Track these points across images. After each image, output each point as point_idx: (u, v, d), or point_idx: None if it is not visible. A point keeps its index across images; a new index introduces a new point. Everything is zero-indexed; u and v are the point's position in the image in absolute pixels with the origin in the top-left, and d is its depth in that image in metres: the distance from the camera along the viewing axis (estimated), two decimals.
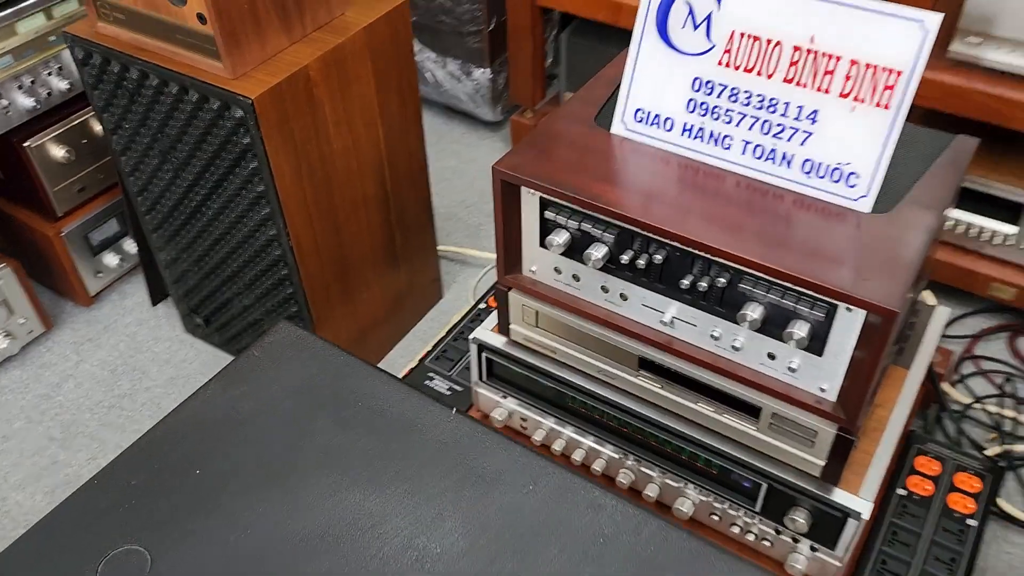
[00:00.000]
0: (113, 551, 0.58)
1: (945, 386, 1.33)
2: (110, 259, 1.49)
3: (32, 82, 1.26)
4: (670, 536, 0.60)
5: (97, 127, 1.37)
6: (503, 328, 1.01)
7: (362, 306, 1.32)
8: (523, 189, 0.87)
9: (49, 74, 1.28)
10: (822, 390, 0.81)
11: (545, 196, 0.86)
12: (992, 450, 1.26)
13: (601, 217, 0.84)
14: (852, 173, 0.80)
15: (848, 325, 0.75)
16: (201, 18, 0.95)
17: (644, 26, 0.86)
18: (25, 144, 1.29)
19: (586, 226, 0.86)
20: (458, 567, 0.57)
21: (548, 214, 0.88)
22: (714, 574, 0.57)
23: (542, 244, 0.90)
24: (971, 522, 1.07)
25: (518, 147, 0.89)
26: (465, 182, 1.78)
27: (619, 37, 1.60)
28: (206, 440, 0.66)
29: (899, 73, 0.76)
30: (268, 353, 0.73)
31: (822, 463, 0.85)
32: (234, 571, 0.57)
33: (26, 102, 1.26)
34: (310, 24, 1.07)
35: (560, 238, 0.87)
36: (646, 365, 0.92)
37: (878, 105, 0.77)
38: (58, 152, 1.32)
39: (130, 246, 1.51)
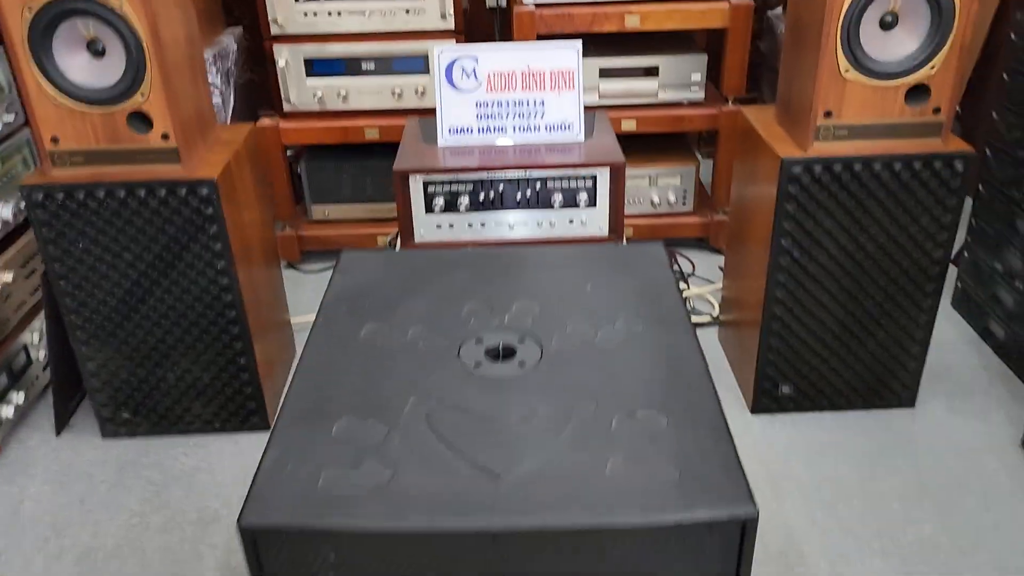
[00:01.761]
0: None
1: None
2: (5, 410, 1.68)
3: None
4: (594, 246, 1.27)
5: None
6: None
7: (273, 344, 1.76)
8: (411, 176, 1.51)
9: None
10: (600, 228, 1.56)
11: (426, 177, 1.51)
12: None
13: (462, 177, 1.51)
14: (570, 124, 1.59)
15: (604, 182, 1.52)
16: (165, 136, 1.43)
17: (440, 82, 1.58)
18: None
19: (453, 187, 1.52)
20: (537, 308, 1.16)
21: (429, 188, 1.52)
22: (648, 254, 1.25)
23: (427, 210, 1.53)
24: None
25: (398, 159, 1.53)
26: None
27: (340, 153, 2.27)
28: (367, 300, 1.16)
29: (573, 71, 1.58)
30: (351, 262, 1.24)
31: None
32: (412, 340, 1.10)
33: None
34: (210, 139, 1.58)
35: (440, 200, 1.51)
36: None
37: (569, 88, 1.58)
38: None
39: (18, 397, 1.71)
